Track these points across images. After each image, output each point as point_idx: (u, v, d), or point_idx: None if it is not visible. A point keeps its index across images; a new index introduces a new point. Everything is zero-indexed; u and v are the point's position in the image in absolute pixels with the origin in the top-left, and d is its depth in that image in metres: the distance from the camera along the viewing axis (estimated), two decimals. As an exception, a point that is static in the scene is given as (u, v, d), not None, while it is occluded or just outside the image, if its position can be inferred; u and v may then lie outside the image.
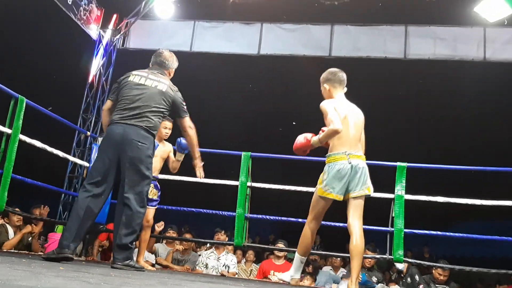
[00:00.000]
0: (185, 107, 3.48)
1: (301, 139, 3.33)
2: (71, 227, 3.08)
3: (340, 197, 3.15)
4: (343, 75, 3.42)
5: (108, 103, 3.49)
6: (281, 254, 5.64)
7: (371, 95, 8.89)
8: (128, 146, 3.20)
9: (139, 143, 3.23)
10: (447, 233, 4.82)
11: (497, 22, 6.42)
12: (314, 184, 4.60)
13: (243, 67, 8.05)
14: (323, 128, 3.24)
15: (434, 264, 5.21)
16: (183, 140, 4.00)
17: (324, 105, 3.20)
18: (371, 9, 6.88)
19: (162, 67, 3.54)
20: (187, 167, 4.05)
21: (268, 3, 6.76)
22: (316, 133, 3.31)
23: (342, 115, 3.16)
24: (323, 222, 4.79)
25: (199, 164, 3.68)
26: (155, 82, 3.39)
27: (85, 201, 3.13)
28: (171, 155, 4.33)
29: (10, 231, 5.08)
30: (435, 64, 7.03)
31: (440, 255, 9.88)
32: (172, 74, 3.63)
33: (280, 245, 5.52)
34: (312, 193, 4.66)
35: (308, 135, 3.31)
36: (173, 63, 3.61)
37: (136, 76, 3.42)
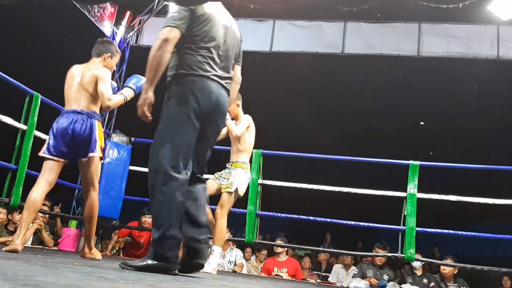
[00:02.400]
0: None
1: None
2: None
3: None
4: None
5: (176, 34, 2.30)
6: (280, 250, 5.70)
7: (384, 92, 8.86)
8: (220, 116, 2.45)
9: (226, 115, 2.61)
10: (459, 232, 4.80)
11: (511, 21, 6.37)
12: (325, 182, 4.64)
13: (255, 64, 8.06)
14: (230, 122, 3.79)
15: (445, 263, 5.19)
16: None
17: (247, 118, 3.86)
18: (384, 6, 6.85)
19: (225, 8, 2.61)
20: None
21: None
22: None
23: (252, 132, 3.90)
24: (333, 220, 4.81)
25: None
26: (234, 24, 2.55)
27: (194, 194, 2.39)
28: None
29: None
30: (448, 62, 6.99)
31: (451, 254, 9.82)
32: None
33: (279, 241, 5.55)
34: (324, 191, 4.70)
35: None
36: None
37: (216, 10, 2.47)
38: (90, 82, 3.22)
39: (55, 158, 3.14)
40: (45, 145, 3.16)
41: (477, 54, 6.62)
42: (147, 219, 5.47)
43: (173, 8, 2.32)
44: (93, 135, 3.16)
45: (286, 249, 5.81)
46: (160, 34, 2.28)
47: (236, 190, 3.71)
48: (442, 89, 9.14)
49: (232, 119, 3.86)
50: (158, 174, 2.26)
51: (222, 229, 3.64)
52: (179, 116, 2.29)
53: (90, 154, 3.16)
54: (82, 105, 3.21)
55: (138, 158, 5.42)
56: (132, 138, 5.40)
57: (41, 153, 3.17)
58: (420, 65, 7.54)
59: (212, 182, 3.84)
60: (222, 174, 3.88)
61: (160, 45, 2.27)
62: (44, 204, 5.39)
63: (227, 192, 3.71)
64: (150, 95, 2.27)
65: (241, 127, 3.78)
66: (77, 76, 3.26)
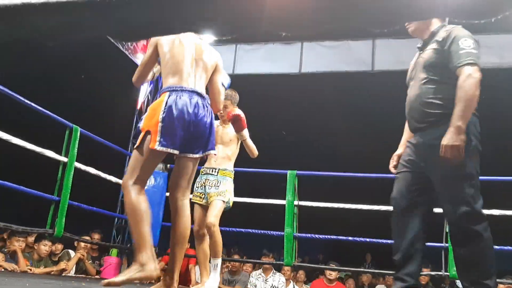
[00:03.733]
0: None
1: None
2: None
3: None
4: None
5: None
6: (333, 276, 5.59)
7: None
8: None
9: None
10: (504, 247, 4.64)
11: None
12: (362, 201, 4.57)
13: (284, 86, 8.11)
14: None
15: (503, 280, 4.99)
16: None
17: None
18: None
19: None
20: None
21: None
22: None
23: None
24: (373, 240, 4.72)
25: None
26: None
27: None
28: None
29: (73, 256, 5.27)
30: (482, 73, 6.85)
31: (502, 270, 9.43)
32: None
33: (332, 265, 5.47)
34: (362, 210, 4.62)
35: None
36: None
37: None
38: (211, 66, 2.59)
39: (175, 151, 2.33)
40: (158, 135, 2.27)
41: (512, 63, 6.48)
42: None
43: (467, 41, 2.29)
44: (213, 127, 2.50)
45: (338, 275, 5.72)
46: (472, 72, 2.24)
47: (228, 200, 3.45)
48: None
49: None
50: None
51: (220, 241, 3.32)
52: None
53: (212, 152, 2.50)
54: (200, 86, 2.47)
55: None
56: (168, 165, 5.50)
57: (157, 146, 2.27)
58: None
59: (198, 207, 3.52)
60: (204, 182, 3.52)
61: (478, 84, 2.24)
62: (92, 237, 5.54)
63: (220, 200, 3.39)
64: (464, 137, 2.16)
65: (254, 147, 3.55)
66: (190, 47, 2.53)
